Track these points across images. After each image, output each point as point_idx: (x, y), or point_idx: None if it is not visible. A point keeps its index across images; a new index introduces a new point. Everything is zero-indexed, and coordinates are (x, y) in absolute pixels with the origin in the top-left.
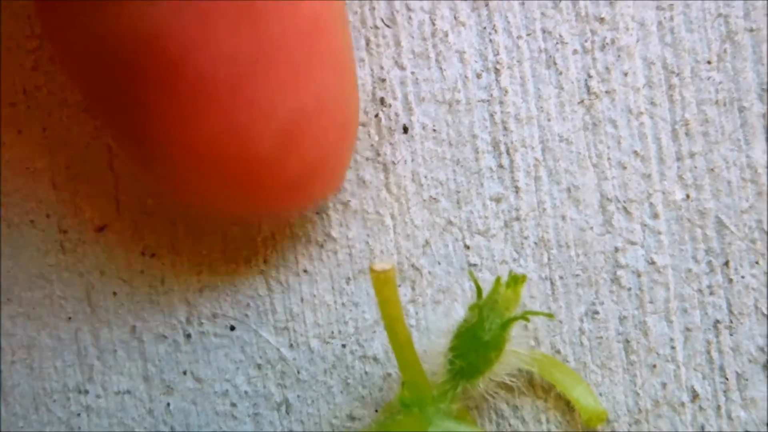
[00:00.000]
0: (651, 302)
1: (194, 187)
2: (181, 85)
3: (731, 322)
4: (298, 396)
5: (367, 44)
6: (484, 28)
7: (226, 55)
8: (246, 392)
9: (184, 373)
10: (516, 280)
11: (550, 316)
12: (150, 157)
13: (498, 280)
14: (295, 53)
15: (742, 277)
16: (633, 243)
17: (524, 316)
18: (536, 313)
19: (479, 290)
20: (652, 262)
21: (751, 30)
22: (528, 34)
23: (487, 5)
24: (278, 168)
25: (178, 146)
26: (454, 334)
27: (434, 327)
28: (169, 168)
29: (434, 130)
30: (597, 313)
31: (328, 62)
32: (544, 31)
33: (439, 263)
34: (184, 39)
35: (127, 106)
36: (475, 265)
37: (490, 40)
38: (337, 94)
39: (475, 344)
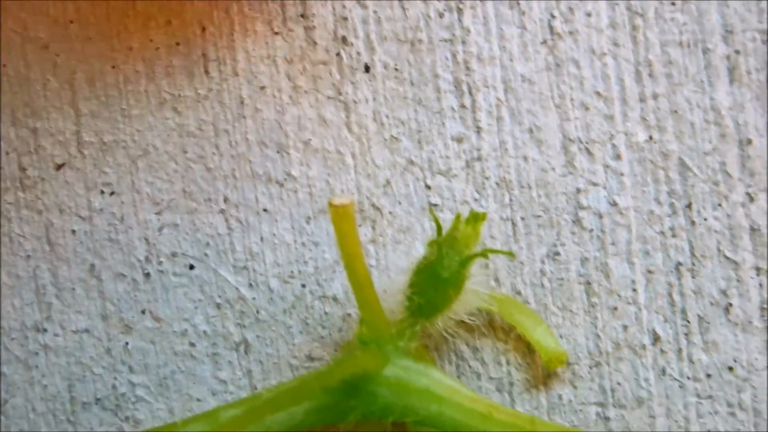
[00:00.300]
0: (613, 244)
1: None
2: None
3: (693, 264)
4: (258, 336)
5: None
6: None
7: None
8: (205, 332)
9: (143, 312)
10: (476, 218)
11: (510, 254)
12: None
13: (458, 217)
14: None
15: (705, 219)
16: (595, 184)
17: (484, 254)
18: (496, 251)
19: (439, 227)
20: (615, 204)
21: None
22: None
23: None
24: None
25: None
26: (413, 272)
27: (394, 265)
28: None
29: (396, 70)
30: (558, 254)
31: None
32: None
33: (400, 203)
34: None
35: None
36: (436, 205)
37: None
38: None
39: (434, 281)
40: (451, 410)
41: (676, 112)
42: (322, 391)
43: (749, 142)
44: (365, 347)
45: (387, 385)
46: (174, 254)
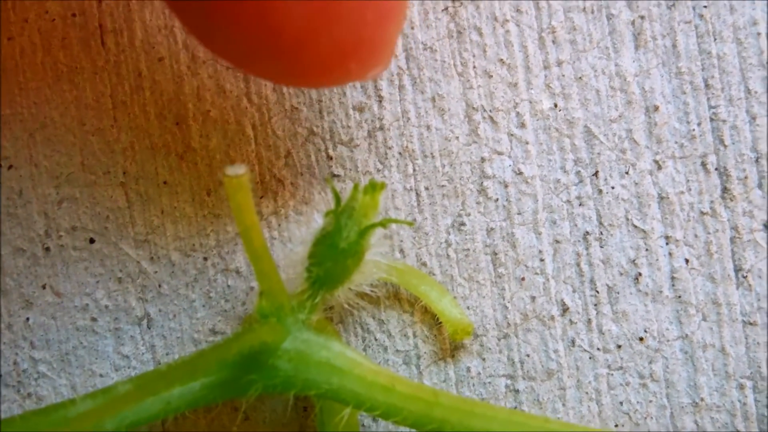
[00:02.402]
0: (519, 213)
1: (245, 57)
2: None
3: (601, 233)
4: (160, 310)
5: None
6: None
7: None
8: (106, 306)
9: (43, 287)
10: (374, 187)
11: (409, 223)
12: (204, 26)
13: (356, 186)
14: None
15: (612, 187)
16: (500, 153)
17: (382, 223)
18: (395, 221)
19: (337, 198)
20: (520, 173)
21: None
22: None
23: None
24: (309, 46)
25: (222, 17)
26: (312, 243)
27: (295, 237)
28: (219, 37)
29: None
30: (464, 224)
31: None
32: None
33: (302, 174)
34: None
35: None
36: (338, 175)
37: None
38: None
39: (332, 251)
40: (353, 383)
41: (581, 78)
42: (220, 365)
43: (656, 108)
44: (265, 320)
45: (287, 359)
46: (74, 228)
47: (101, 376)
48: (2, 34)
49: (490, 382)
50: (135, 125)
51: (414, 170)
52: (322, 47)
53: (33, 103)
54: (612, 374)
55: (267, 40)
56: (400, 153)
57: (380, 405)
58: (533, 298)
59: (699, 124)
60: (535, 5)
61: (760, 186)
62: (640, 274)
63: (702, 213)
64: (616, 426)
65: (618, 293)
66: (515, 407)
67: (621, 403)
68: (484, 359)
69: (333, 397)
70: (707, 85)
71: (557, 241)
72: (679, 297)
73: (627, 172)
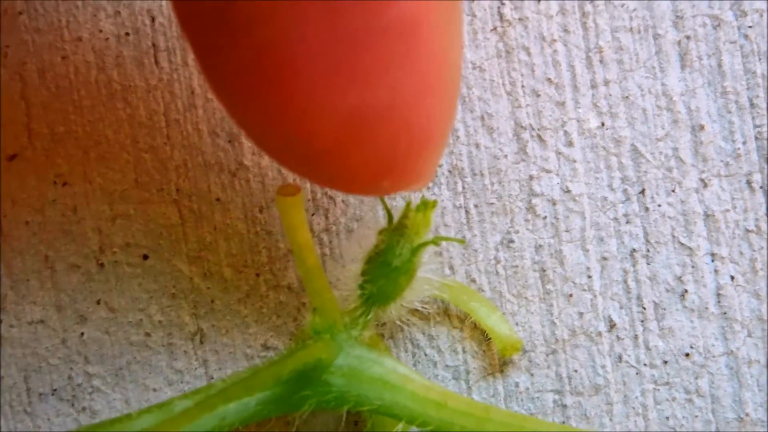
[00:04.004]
0: (567, 231)
1: (278, 158)
2: (246, 54)
3: (648, 251)
4: (213, 325)
5: None
6: None
7: (297, 36)
8: (160, 322)
9: (98, 302)
10: (426, 205)
11: (460, 241)
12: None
13: (408, 204)
14: (372, 52)
15: (659, 205)
16: (548, 171)
17: (434, 241)
18: (446, 239)
19: (390, 216)
20: (568, 191)
21: None
22: None
23: None
24: (338, 161)
25: (250, 119)
26: (365, 260)
27: (347, 254)
28: (254, 136)
29: None
30: (512, 241)
31: (410, 66)
32: None
33: None
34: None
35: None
36: None
37: None
38: (415, 100)
39: (385, 269)
40: (406, 399)
41: (627, 98)
42: (275, 381)
43: (701, 127)
44: (318, 337)
45: (340, 375)
46: (128, 244)
47: (155, 390)
48: (56, 53)
49: (538, 397)
50: (188, 143)
51: (463, 188)
52: (351, 164)
53: (87, 121)
54: (658, 390)
55: (299, 148)
56: (449, 171)
57: (432, 420)
58: (581, 314)
59: (744, 143)
60: (583, 25)
61: None
62: (686, 291)
63: (747, 230)
64: None
65: (664, 310)
66: (563, 422)
67: (667, 418)
68: (532, 374)
69: (385, 413)
70: (752, 104)
71: (604, 258)
72: (725, 313)
73: (673, 190)
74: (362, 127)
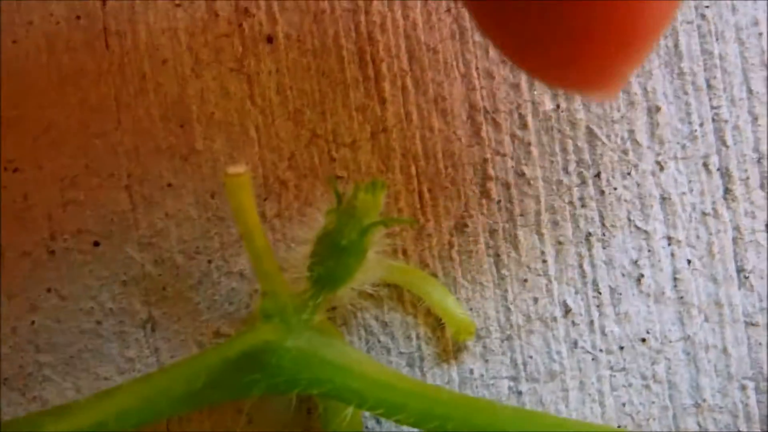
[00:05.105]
0: (521, 215)
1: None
2: None
3: (603, 234)
4: (164, 313)
5: None
6: None
7: None
8: (111, 309)
9: (48, 290)
10: (375, 186)
11: (412, 222)
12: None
13: (357, 185)
14: None
15: (615, 189)
16: (502, 154)
17: (383, 222)
18: (396, 220)
19: (339, 197)
20: (522, 174)
21: None
22: None
23: None
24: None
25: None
26: (314, 242)
27: (297, 238)
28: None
29: (299, 40)
30: (466, 226)
31: None
32: None
33: (305, 176)
34: None
35: None
36: (341, 177)
37: None
38: None
39: (334, 250)
40: (356, 381)
41: None
42: (223, 364)
43: (658, 109)
44: (267, 320)
45: (290, 358)
46: (79, 231)
47: (106, 379)
48: (6, 36)
49: (493, 384)
50: (139, 128)
51: (417, 172)
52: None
53: (37, 105)
54: (614, 375)
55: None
56: (402, 155)
57: (382, 403)
58: (536, 300)
59: (701, 125)
60: None
61: (762, 187)
62: (642, 275)
63: (704, 214)
64: (619, 427)
65: (620, 294)
66: None
67: (624, 404)
68: (486, 361)
69: (336, 396)
70: (709, 86)
71: (560, 243)
72: (682, 298)
73: (629, 173)
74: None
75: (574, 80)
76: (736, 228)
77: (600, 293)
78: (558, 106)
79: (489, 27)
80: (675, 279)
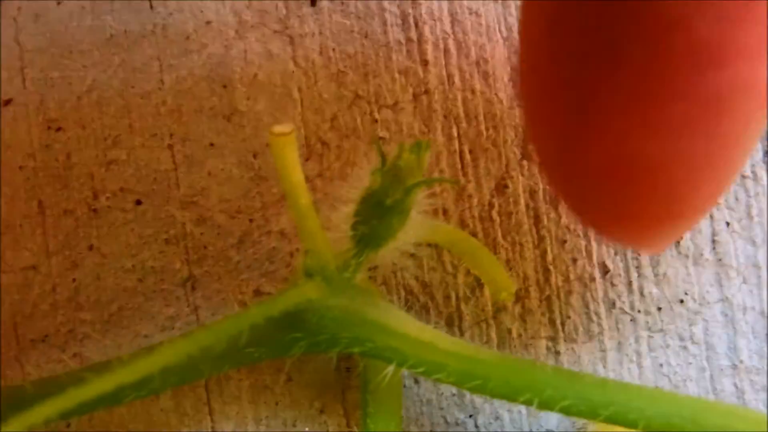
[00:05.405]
0: None
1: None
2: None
3: None
4: (205, 271)
5: None
6: None
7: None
8: (152, 268)
9: (90, 248)
10: (420, 146)
11: (454, 182)
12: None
13: (401, 146)
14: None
15: None
16: None
17: (427, 182)
18: (440, 180)
19: (383, 158)
20: None
21: None
22: None
23: None
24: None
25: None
26: (357, 202)
27: (340, 197)
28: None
29: (342, 3)
30: (507, 187)
31: (713, 133)
32: None
33: (347, 137)
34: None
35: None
36: (383, 138)
37: None
38: (698, 164)
39: (377, 210)
40: (398, 341)
41: None
42: (265, 322)
43: None
44: (310, 279)
45: (331, 317)
46: (121, 190)
47: (146, 336)
48: None
49: (531, 344)
50: (182, 88)
51: (458, 133)
52: (618, 200)
53: (81, 66)
54: (652, 336)
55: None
56: (444, 116)
57: (423, 362)
58: (575, 261)
59: None
60: None
61: None
62: (681, 237)
63: (743, 177)
64: (656, 388)
65: (659, 256)
66: None
67: (661, 365)
68: (525, 321)
69: (376, 355)
70: None
71: None
72: (720, 260)
73: None
74: (636, 162)
75: (627, 241)
76: None
77: (638, 254)
78: None
79: (557, 184)
80: (713, 241)
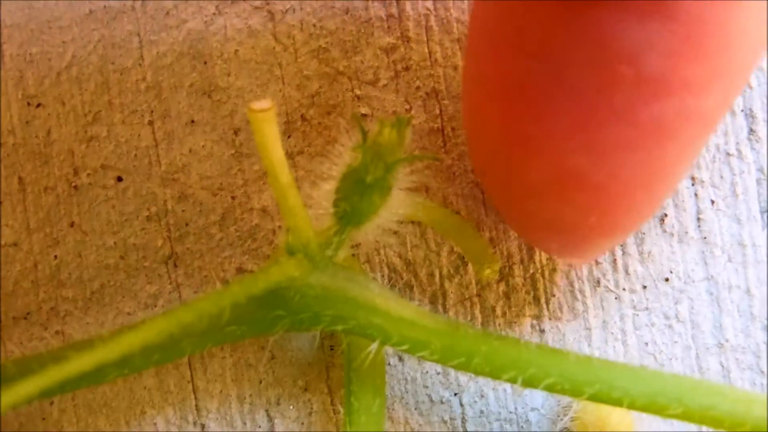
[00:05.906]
0: None
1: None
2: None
3: None
4: (187, 249)
5: None
6: None
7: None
8: (134, 245)
9: (71, 225)
10: (401, 122)
11: (436, 159)
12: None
13: (381, 122)
14: (624, 135)
15: None
16: None
17: (408, 158)
18: (422, 157)
19: (364, 134)
20: None
21: None
22: None
23: None
24: (546, 203)
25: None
26: (339, 179)
27: (321, 174)
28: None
29: None
30: None
31: (653, 158)
32: None
33: (329, 113)
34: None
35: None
36: (365, 115)
37: None
38: (634, 185)
39: (359, 186)
40: (381, 318)
41: None
42: (246, 300)
43: None
44: (291, 256)
45: (314, 294)
46: (102, 167)
47: (128, 314)
48: None
49: (516, 322)
50: (162, 64)
51: (440, 111)
52: (554, 207)
53: (60, 41)
54: (637, 315)
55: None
56: (426, 93)
57: (407, 339)
58: None
59: None
60: None
61: None
62: (665, 215)
63: (728, 154)
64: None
65: (644, 234)
66: None
67: (646, 343)
68: (509, 299)
69: (360, 333)
70: None
71: None
72: (705, 238)
73: None
74: (577, 180)
75: (561, 253)
76: (760, 169)
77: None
78: None
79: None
80: (698, 219)
